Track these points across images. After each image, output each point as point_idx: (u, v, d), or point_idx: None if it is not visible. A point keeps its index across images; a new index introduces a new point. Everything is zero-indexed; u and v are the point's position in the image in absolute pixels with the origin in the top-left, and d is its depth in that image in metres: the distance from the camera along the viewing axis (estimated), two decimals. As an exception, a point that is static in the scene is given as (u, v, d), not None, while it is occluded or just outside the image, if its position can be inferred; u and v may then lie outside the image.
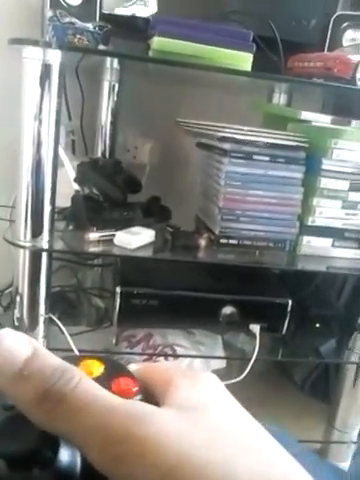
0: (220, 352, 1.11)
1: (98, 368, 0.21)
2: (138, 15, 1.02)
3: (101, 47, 0.86)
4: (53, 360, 0.20)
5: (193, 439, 0.18)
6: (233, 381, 0.92)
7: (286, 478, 0.18)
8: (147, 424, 0.18)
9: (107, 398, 0.19)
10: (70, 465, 0.19)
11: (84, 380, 0.19)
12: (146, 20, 0.96)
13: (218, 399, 0.21)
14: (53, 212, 0.86)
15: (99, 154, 1.21)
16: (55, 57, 0.77)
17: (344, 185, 0.94)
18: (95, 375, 0.21)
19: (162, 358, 1.08)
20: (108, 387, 0.20)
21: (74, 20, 0.85)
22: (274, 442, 0.20)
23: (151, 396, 0.21)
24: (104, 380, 0.20)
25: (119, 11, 1.02)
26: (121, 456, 0.17)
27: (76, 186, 0.97)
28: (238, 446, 0.19)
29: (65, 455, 0.19)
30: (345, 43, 1.07)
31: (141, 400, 0.20)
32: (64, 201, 0.95)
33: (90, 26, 0.85)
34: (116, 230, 0.91)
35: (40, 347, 0.20)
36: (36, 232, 0.84)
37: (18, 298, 0.88)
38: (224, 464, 0.18)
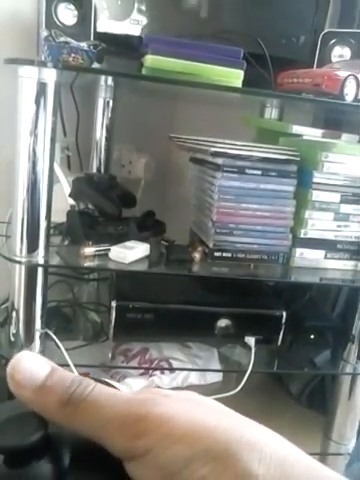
0: (216, 365, 1.11)
1: None
2: (131, 34, 1.05)
3: (95, 65, 0.88)
4: (69, 373, 0.23)
5: (202, 412, 0.21)
6: (229, 394, 0.92)
7: (284, 444, 0.20)
8: (162, 405, 0.21)
9: (121, 393, 0.22)
10: (61, 461, 0.21)
11: (98, 384, 0.22)
12: (139, 39, 0.98)
13: (209, 399, 0.24)
14: (49, 227, 0.87)
15: (94, 169, 1.22)
16: (50, 76, 0.79)
17: (335, 197, 0.96)
18: None
19: (158, 372, 1.09)
20: None
21: (69, 39, 0.87)
22: None
23: None
24: None
25: (113, 30, 1.05)
26: (140, 432, 0.20)
27: (71, 201, 0.99)
28: (243, 418, 0.22)
29: (57, 451, 0.21)
30: (333, 59, 1.09)
31: None
32: (60, 216, 0.96)
33: (84, 45, 0.87)
34: (111, 244, 0.92)
35: (55, 365, 0.23)
36: (32, 247, 0.85)
37: (14, 313, 0.88)
38: (234, 427, 0.20)
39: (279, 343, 1.00)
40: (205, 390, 1.06)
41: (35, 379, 0.22)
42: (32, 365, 0.22)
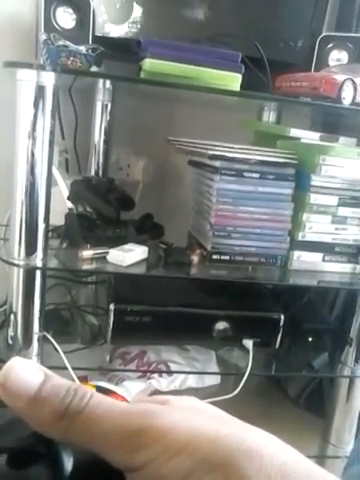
0: (214, 368, 1.11)
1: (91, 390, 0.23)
2: (130, 37, 1.05)
3: (94, 69, 0.88)
4: (64, 381, 0.22)
5: (201, 420, 0.21)
6: (227, 397, 0.92)
7: (283, 448, 0.20)
8: (160, 416, 0.20)
9: (119, 404, 0.21)
10: (65, 462, 0.21)
11: (95, 394, 0.21)
12: (137, 42, 0.98)
13: (208, 405, 0.24)
14: (47, 230, 0.87)
15: (92, 172, 1.22)
16: (49, 79, 0.79)
17: (333, 200, 0.96)
18: None
19: (156, 375, 1.09)
20: None
21: (67, 43, 0.87)
22: None
23: None
24: None
25: (111, 34, 1.05)
26: (139, 446, 0.19)
27: (70, 204, 0.99)
28: (242, 424, 0.21)
29: (60, 453, 0.21)
30: (331, 63, 1.10)
31: None
32: (58, 219, 0.96)
33: (83, 48, 0.87)
34: (109, 247, 0.92)
35: (49, 372, 0.22)
36: (30, 250, 0.85)
37: (12, 316, 0.88)
38: (233, 434, 0.20)
39: (277, 346, 1.00)
40: (203, 393, 1.06)
41: (28, 388, 0.21)
42: (24, 373, 0.21)
